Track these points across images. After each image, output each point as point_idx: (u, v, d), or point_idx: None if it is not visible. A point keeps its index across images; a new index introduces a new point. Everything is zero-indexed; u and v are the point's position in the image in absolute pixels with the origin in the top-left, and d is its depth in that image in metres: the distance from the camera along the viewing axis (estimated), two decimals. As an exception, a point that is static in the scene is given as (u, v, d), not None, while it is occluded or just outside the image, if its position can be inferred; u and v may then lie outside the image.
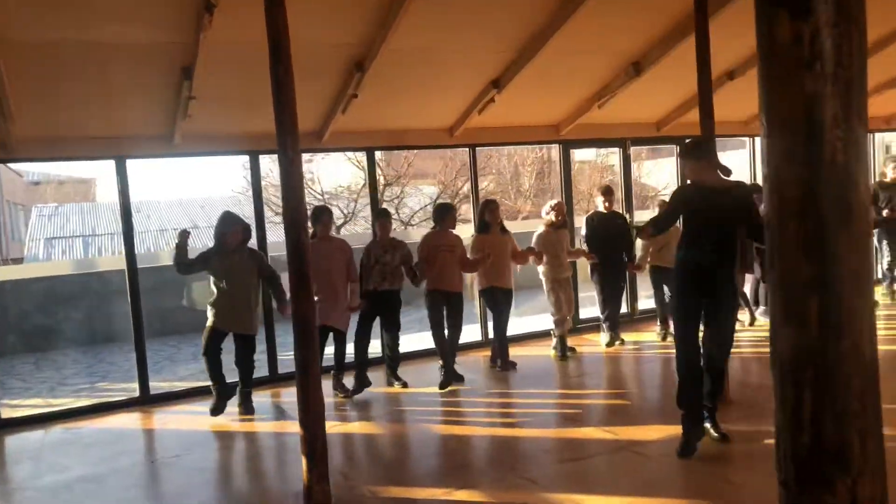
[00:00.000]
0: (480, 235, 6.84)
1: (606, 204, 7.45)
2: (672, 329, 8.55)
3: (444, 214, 6.63)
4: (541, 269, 7.21)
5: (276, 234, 18.71)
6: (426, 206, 17.85)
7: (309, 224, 5.80)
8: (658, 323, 7.80)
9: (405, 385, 6.46)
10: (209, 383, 5.95)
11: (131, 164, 6.54)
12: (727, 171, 4.46)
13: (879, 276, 8.90)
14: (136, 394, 6.67)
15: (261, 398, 6.38)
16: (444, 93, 6.82)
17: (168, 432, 5.89)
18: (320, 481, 4.05)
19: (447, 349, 6.51)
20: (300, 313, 4.04)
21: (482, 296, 6.97)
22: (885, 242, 8.76)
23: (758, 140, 8.74)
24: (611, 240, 7.32)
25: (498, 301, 6.79)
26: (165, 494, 4.69)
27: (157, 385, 7.14)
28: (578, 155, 22.76)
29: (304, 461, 4.06)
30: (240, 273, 5.90)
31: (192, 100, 5.78)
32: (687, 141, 4.90)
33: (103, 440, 5.71)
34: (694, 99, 7.88)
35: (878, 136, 10.74)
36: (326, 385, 4.87)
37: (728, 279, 4.57)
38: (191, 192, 28.86)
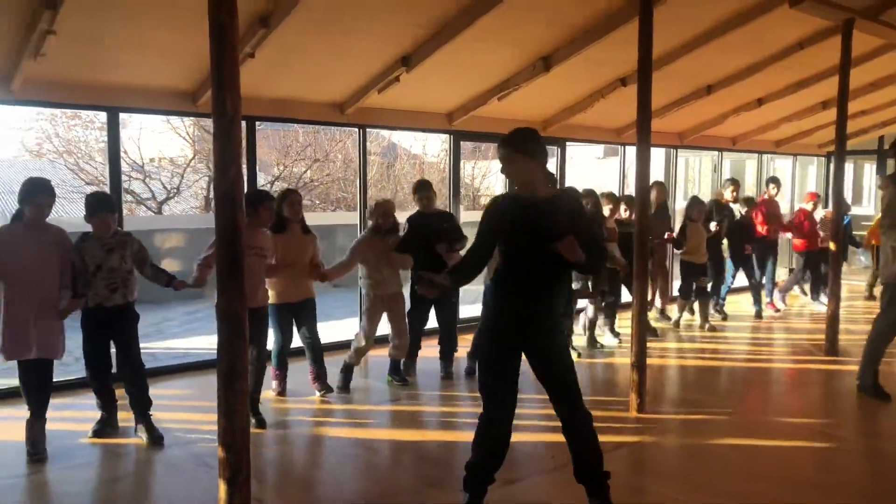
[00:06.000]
0: (275, 235, 5.38)
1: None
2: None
3: (256, 206, 4.94)
4: (361, 280, 6.01)
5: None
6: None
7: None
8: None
9: (157, 440, 4.70)
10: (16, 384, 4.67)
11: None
12: (553, 179, 3.49)
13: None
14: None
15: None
16: (345, 64, 6.15)
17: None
18: (242, 511, 3.36)
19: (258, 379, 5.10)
20: (231, 310, 3.31)
21: (274, 313, 5.43)
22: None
23: (631, 148, 8.98)
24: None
25: (300, 318, 5.56)
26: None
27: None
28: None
29: (222, 487, 3.33)
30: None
31: (50, 35, 4.68)
32: (515, 130, 3.45)
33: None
34: (583, 102, 7.95)
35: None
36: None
37: (556, 322, 3.49)
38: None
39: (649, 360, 5.54)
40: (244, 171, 3.57)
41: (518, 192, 3.47)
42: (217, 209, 3.30)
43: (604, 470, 3.55)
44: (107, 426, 4.84)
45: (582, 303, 7.45)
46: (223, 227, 3.29)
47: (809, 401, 5.96)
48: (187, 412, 5.02)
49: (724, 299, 9.16)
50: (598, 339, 7.45)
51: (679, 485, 4.15)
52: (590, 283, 6.94)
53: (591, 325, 7.38)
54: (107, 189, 5.87)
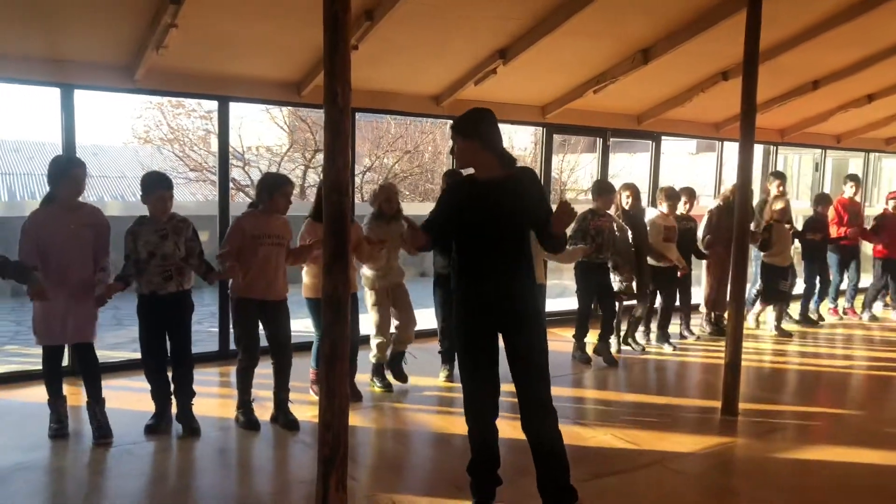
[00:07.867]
0: (314, 222, 5.15)
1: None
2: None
3: (272, 191, 4.72)
4: (364, 272, 5.64)
5: (188, 192, 17.35)
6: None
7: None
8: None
9: (194, 431, 4.66)
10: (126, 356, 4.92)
11: (79, 97, 5.61)
12: (511, 160, 3.34)
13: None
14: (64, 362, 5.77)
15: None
16: (442, 57, 6.26)
17: (112, 412, 4.85)
18: (339, 489, 3.50)
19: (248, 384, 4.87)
20: (335, 294, 3.44)
21: (314, 307, 5.25)
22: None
23: (729, 144, 8.72)
24: None
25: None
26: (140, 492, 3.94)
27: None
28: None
29: (320, 464, 3.48)
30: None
31: (173, 28, 4.96)
32: (465, 112, 3.48)
33: (29, 415, 4.82)
34: (681, 95, 7.79)
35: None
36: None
37: (527, 301, 3.41)
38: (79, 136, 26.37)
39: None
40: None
41: (472, 175, 3.45)
42: (325, 197, 3.43)
43: (570, 485, 3.38)
44: (161, 421, 4.71)
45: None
46: (330, 214, 3.41)
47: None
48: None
49: (835, 301, 9.01)
50: (632, 342, 7.18)
51: (770, 489, 4.07)
52: (633, 284, 6.74)
53: (635, 323, 7.17)
54: (216, 175, 6.18)
